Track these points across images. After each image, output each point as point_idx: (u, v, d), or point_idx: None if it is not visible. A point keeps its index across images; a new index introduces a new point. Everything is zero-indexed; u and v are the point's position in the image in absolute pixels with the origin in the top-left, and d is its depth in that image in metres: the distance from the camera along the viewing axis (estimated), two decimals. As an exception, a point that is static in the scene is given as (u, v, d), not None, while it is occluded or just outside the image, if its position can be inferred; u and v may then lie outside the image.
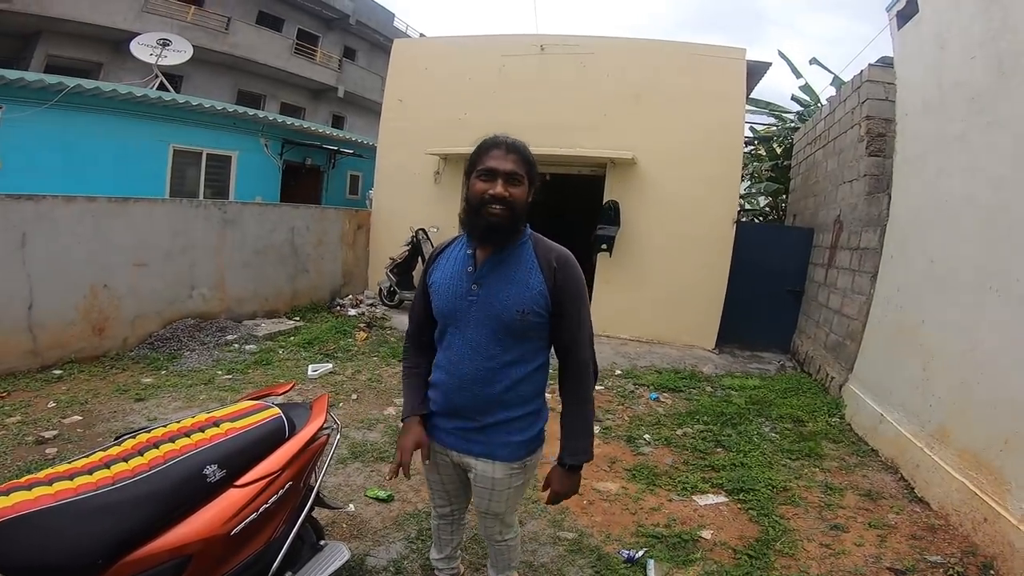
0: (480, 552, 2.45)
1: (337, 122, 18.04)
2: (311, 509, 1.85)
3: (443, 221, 7.29)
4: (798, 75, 9.41)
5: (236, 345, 5.29)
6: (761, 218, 10.69)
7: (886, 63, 5.02)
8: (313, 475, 1.87)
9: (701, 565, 2.46)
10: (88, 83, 7.00)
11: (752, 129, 10.25)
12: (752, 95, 8.45)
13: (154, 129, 7.74)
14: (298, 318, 6.46)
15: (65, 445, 3.19)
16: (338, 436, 1.94)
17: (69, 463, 1.55)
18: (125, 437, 1.69)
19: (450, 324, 1.57)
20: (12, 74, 6.19)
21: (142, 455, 1.54)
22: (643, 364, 5.73)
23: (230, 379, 4.45)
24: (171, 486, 1.47)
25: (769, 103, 10.14)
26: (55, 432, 3.31)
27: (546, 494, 1.65)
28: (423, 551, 2.41)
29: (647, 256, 6.62)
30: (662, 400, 4.69)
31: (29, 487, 1.41)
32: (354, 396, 4.31)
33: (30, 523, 1.32)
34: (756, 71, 7.06)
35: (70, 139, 6.77)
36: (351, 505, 2.76)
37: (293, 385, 2.23)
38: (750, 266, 6.52)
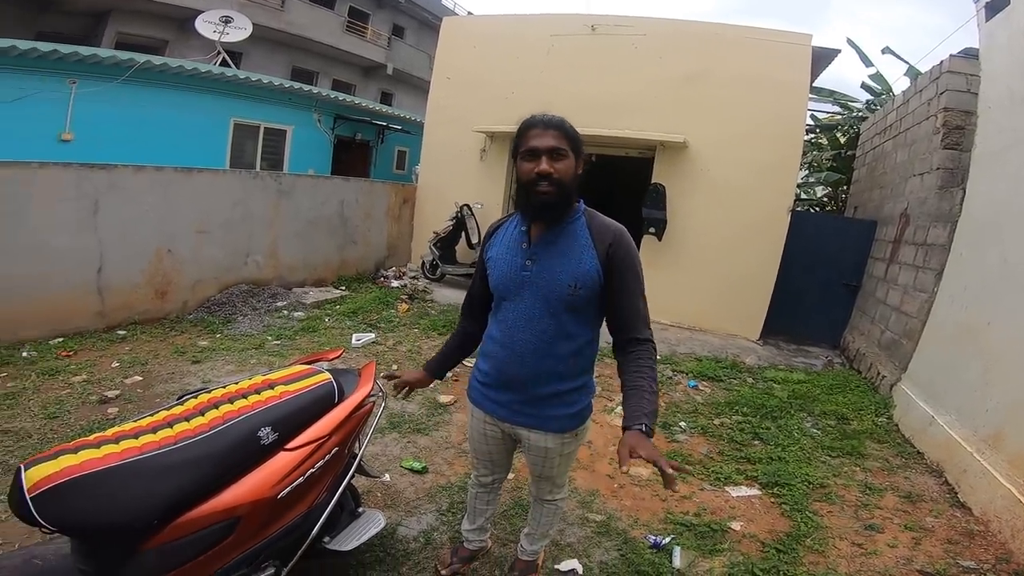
0: (509, 528, 2.50)
1: (386, 99, 18.28)
2: (352, 476, 1.89)
3: (488, 198, 7.34)
4: (868, 63, 8.89)
5: (285, 312, 5.53)
6: (818, 208, 10.22)
7: (969, 54, 4.79)
8: (357, 443, 1.91)
9: (728, 556, 2.44)
10: (156, 59, 7.35)
11: (814, 117, 9.88)
12: (816, 83, 8.04)
13: (216, 104, 8.08)
14: (344, 287, 6.67)
15: (125, 405, 3.38)
16: (383, 405, 1.99)
17: (135, 421, 1.61)
18: (187, 397, 1.75)
19: (505, 298, 1.62)
20: (86, 51, 6.53)
21: (203, 415, 1.59)
22: (683, 351, 5.64)
23: (279, 345, 4.67)
24: (228, 447, 1.51)
25: (834, 91, 9.67)
26: (117, 392, 3.51)
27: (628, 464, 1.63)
28: (453, 523, 2.48)
29: (693, 241, 6.45)
30: (700, 388, 4.63)
31: (98, 445, 1.47)
32: (395, 367, 4.42)
33: (96, 482, 1.38)
34: (822, 58, 6.68)
35: (139, 113, 7.14)
36: (387, 475, 2.85)
37: (342, 352, 2.27)
38: (803, 257, 6.27)
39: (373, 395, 1.88)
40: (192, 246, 5.17)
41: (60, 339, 4.29)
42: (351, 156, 10.64)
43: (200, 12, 10.91)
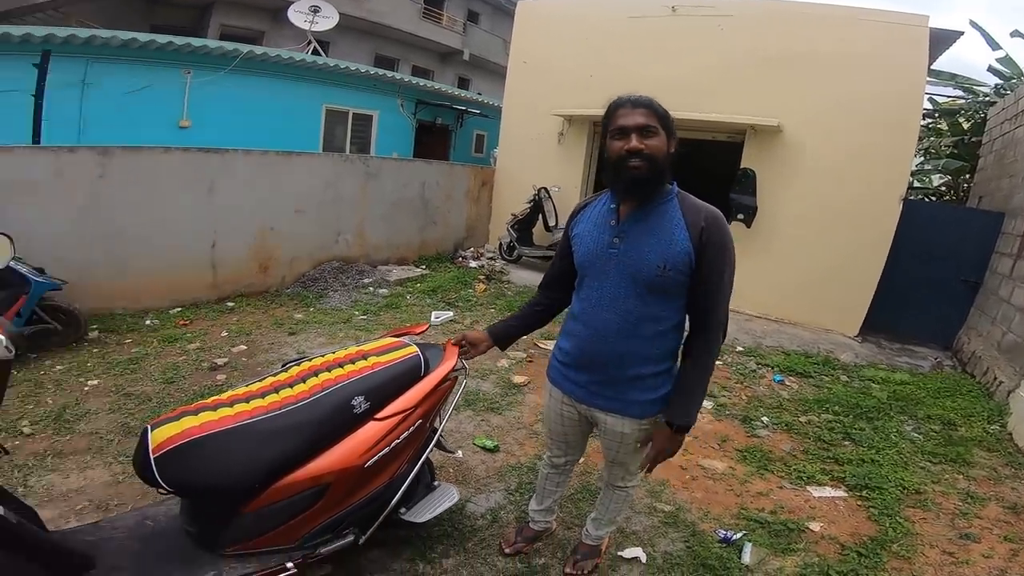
0: (575, 512, 2.50)
1: (463, 84, 18.51)
2: (431, 449, 1.93)
3: (565, 181, 7.29)
4: (995, 46, 8.05)
5: (371, 288, 5.81)
6: (934, 197, 9.28)
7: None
8: (438, 417, 1.96)
9: (802, 556, 2.34)
10: (258, 49, 7.87)
11: (932, 101, 9.07)
12: (935, 66, 7.27)
13: (310, 91, 8.54)
14: (424, 267, 6.91)
15: (232, 372, 3.68)
16: (465, 380, 2.02)
17: (246, 386, 1.73)
18: (289, 364, 1.86)
19: (589, 276, 1.60)
20: (198, 42, 7.11)
21: (304, 382, 1.68)
22: (769, 343, 5.35)
23: (365, 319, 4.93)
24: (326, 414, 1.60)
25: (955, 75, 8.77)
26: (225, 360, 3.84)
27: (646, 452, 1.67)
28: (520, 503, 2.52)
29: (785, 229, 6.06)
30: (787, 383, 4.38)
31: (215, 407, 1.59)
32: (470, 345, 4.54)
33: (212, 444, 1.49)
34: (941, 40, 5.97)
35: (243, 100, 7.70)
36: (459, 451, 2.91)
37: (427, 327, 2.33)
38: (915, 249, 5.71)
39: (456, 370, 1.91)
40: (290, 225, 5.55)
41: (179, 309, 4.79)
42: (431, 140, 10.91)
43: (292, 2, 11.51)
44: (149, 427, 1.56)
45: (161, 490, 1.50)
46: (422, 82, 10.31)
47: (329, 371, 1.72)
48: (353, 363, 1.75)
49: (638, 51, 6.67)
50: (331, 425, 1.61)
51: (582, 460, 2.90)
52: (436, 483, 2.14)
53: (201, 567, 1.57)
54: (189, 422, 1.53)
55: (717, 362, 4.52)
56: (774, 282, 6.10)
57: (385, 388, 1.72)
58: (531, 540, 2.23)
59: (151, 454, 1.47)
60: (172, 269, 4.78)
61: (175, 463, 1.46)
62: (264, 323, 4.67)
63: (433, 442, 1.95)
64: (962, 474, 3.18)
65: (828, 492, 2.86)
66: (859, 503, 2.79)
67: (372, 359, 1.77)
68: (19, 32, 5.71)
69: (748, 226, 6.16)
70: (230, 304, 5.05)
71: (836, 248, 5.79)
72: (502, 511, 2.47)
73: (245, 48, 7.54)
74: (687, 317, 1.61)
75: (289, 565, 1.61)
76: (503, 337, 1.91)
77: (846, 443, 3.43)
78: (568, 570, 2.09)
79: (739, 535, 2.41)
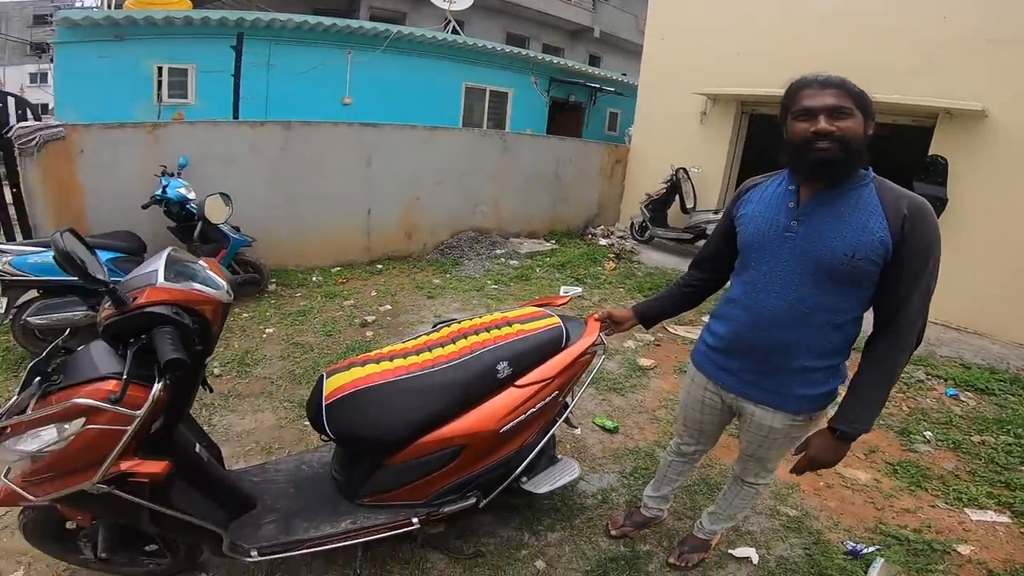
0: (688, 503, 2.40)
1: (593, 62, 18.04)
2: (559, 424, 1.92)
3: (707, 161, 6.87)
4: None
5: (503, 259, 6.02)
6: None
7: None
8: (571, 391, 1.95)
9: None
10: (406, 29, 8.38)
11: None
12: None
13: (451, 69, 8.94)
14: (554, 241, 6.97)
15: (379, 330, 4.01)
16: (603, 357, 2.02)
17: (403, 343, 1.84)
18: (440, 325, 1.94)
19: (757, 259, 1.49)
20: (355, 23, 7.75)
21: (454, 343, 1.76)
22: (945, 353, 4.62)
23: (496, 289, 5.12)
24: (474, 376, 1.66)
25: None
26: (373, 318, 4.19)
27: (796, 458, 1.51)
28: (632, 487, 2.47)
29: (983, 226, 5.12)
30: (962, 399, 3.75)
31: (378, 361, 1.71)
32: (598, 323, 4.52)
33: (374, 396, 1.59)
34: None
35: (392, 78, 8.29)
36: (578, 428, 2.89)
37: (569, 300, 2.33)
38: None
39: (596, 345, 1.89)
40: (433, 195, 5.90)
41: (338, 268, 5.36)
42: (564, 117, 10.88)
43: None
44: (325, 374, 1.72)
45: (323, 437, 1.65)
46: (555, 60, 10.29)
47: (477, 334, 1.78)
48: (499, 329, 1.80)
49: (797, 27, 5.97)
50: (477, 387, 1.67)
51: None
52: (559, 456, 2.13)
53: (341, 514, 1.72)
54: (357, 372, 1.67)
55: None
56: (961, 285, 5.21)
57: (528, 356, 1.74)
58: (639, 526, 2.19)
59: (324, 400, 1.63)
60: (335, 232, 5.35)
61: (342, 411, 1.60)
62: (407, 286, 5.06)
63: (564, 416, 1.95)
64: None
65: (989, 516, 2.51)
66: (1023, 531, 2.42)
67: (516, 326, 1.81)
68: (216, 16, 6.66)
69: (936, 218, 5.30)
70: (379, 266, 5.54)
71: None
72: (613, 493, 2.44)
73: (395, 29, 8.07)
74: (872, 312, 1.45)
75: (414, 520, 1.71)
76: (649, 316, 1.87)
77: (1023, 468, 2.93)
78: (672, 560, 2.04)
79: (870, 549, 2.20)
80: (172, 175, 4.16)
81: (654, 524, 2.23)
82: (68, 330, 1.55)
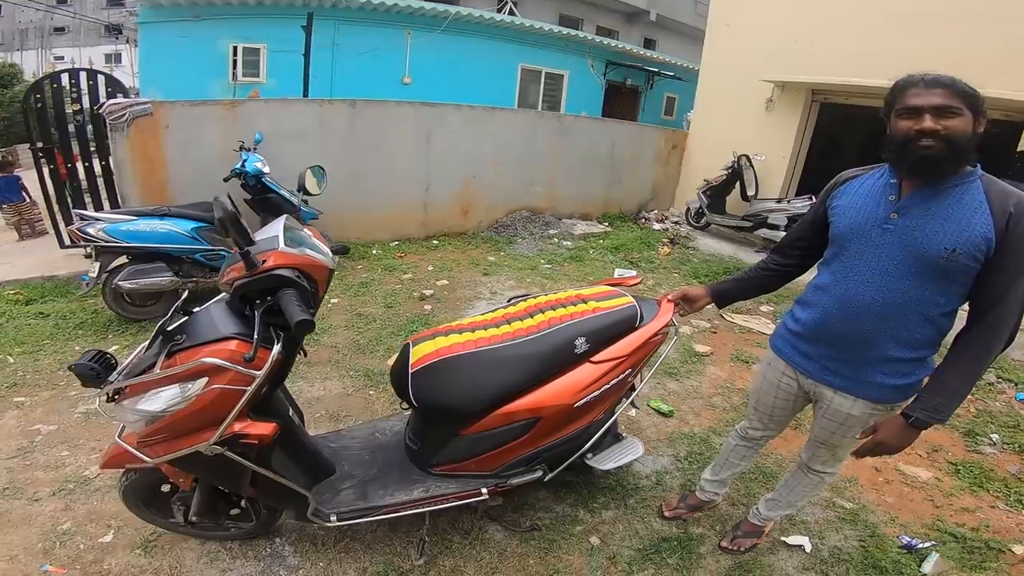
0: (743, 490, 2.39)
1: (648, 45, 17.47)
2: (627, 403, 1.93)
3: (772, 151, 6.64)
4: None
5: (556, 239, 6.04)
6: None
7: None
8: (641, 372, 1.94)
9: (992, 575, 2.04)
10: (464, 10, 8.38)
11: None
12: None
13: (507, 50, 8.93)
14: (607, 224, 6.93)
15: (436, 304, 4.09)
16: (675, 339, 1.99)
17: (482, 315, 1.87)
18: (516, 300, 1.96)
19: (851, 249, 1.49)
20: (416, 3, 7.81)
21: (532, 317, 1.78)
22: (1018, 357, 4.33)
23: (549, 268, 5.15)
24: (551, 350, 1.67)
25: None
26: (431, 292, 4.29)
27: (862, 441, 1.51)
28: (687, 471, 2.48)
29: None
30: None
31: (460, 331, 1.75)
32: (654, 308, 4.48)
33: (456, 365, 1.62)
34: None
35: (450, 59, 8.35)
36: (633, 411, 2.90)
37: (640, 281, 2.33)
38: None
39: (669, 326, 1.89)
40: (489, 174, 5.98)
41: (397, 242, 5.52)
42: (620, 101, 10.71)
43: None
44: (411, 343, 1.77)
45: (403, 406, 1.69)
46: (612, 43, 10.10)
47: (554, 310, 1.80)
48: (575, 305, 1.81)
49: (873, 14, 5.66)
50: (554, 361, 1.68)
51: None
52: (624, 435, 2.14)
53: (413, 482, 1.77)
54: (442, 342, 1.71)
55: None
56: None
57: (604, 333, 1.75)
58: (694, 508, 2.20)
59: (410, 368, 1.67)
60: (395, 208, 5.51)
61: (426, 379, 1.64)
62: (462, 262, 5.17)
63: (633, 396, 1.95)
64: None
65: None
66: None
67: (592, 303, 1.81)
68: None
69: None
70: (435, 242, 5.68)
71: None
72: (667, 475, 2.45)
73: (453, 10, 8.10)
74: (967, 307, 1.43)
75: (483, 491, 1.76)
76: (724, 296, 1.86)
77: None
78: (724, 544, 2.04)
79: (926, 544, 2.18)
80: (249, 150, 4.38)
81: (708, 508, 2.23)
82: (186, 293, 1.63)
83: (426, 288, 4.40)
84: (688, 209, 7.19)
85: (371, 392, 2.95)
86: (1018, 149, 5.05)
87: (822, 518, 2.29)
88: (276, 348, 1.31)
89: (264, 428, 1.39)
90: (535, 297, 1.94)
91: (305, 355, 1.81)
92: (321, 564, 1.88)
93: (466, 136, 5.66)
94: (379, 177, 5.29)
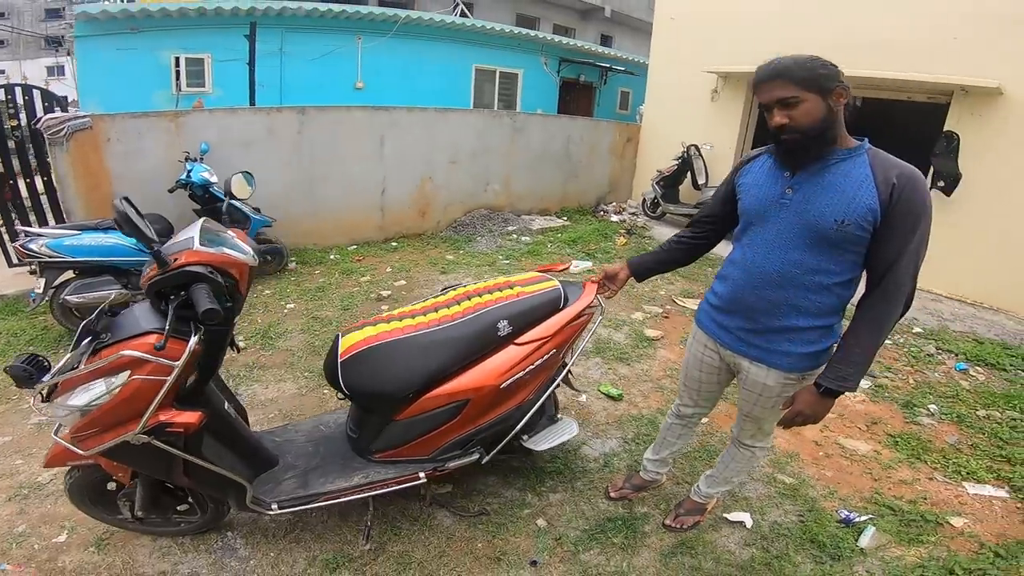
0: (688, 469, 2.48)
1: (605, 41, 17.82)
2: (558, 383, 2.02)
3: (719, 140, 6.87)
4: None
5: (514, 236, 6.13)
6: None
7: None
8: (570, 352, 2.04)
9: (929, 549, 2.11)
10: (415, 13, 8.39)
11: None
12: None
13: (461, 52, 8.96)
14: (566, 218, 7.06)
15: (394, 303, 4.13)
16: (600, 318, 2.07)
17: (411, 305, 1.96)
18: (447, 289, 2.06)
19: (755, 224, 1.57)
20: (365, 9, 7.79)
21: (459, 304, 1.87)
22: (959, 328, 4.59)
23: (507, 264, 5.23)
24: (476, 333, 1.77)
25: None
26: (388, 292, 4.34)
27: (785, 413, 1.56)
28: (634, 453, 2.56)
29: (998, 202, 5.05)
30: (971, 374, 3.74)
31: (388, 321, 1.83)
32: (605, 293, 4.59)
33: (384, 351, 1.71)
34: None
35: (403, 62, 8.34)
36: (584, 395, 3.00)
37: (569, 266, 2.49)
38: None
39: (593, 306, 1.98)
40: (445, 175, 6.03)
41: (354, 246, 5.52)
42: (575, 97, 10.86)
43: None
44: (340, 334, 1.85)
45: (340, 394, 1.77)
46: (564, 40, 10.27)
47: (480, 296, 1.89)
48: (501, 291, 1.90)
49: (806, 4, 5.94)
50: (478, 343, 1.77)
51: (706, 420, 2.84)
52: (559, 416, 2.22)
53: (354, 470, 1.85)
54: (369, 331, 1.79)
55: (887, 342, 4.05)
56: (976, 260, 5.19)
57: (527, 315, 1.84)
58: (638, 488, 2.27)
59: (339, 357, 1.75)
60: (351, 212, 5.51)
61: (355, 367, 1.72)
62: (421, 262, 5.21)
63: (562, 376, 2.02)
64: None
65: (987, 491, 2.50)
66: (1019, 506, 2.41)
67: (518, 288, 1.91)
68: (228, 6, 6.78)
69: (948, 195, 5.28)
70: (394, 244, 5.70)
71: None
72: (615, 458, 2.53)
73: (403, 14, 8.11)
74: (863, 276, 1.51)
75: (421, 475, 1.83)
76: (642, 269, 1.93)
77: None
78: (668, 522, 2.11)
79: (864, 518, 2.24)
80: (195, 160, 4.33)
81: (653, 488, 2.31)
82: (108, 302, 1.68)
83: (384, 289, 4.43)
84: (644, 200, 7.36)
85: (325, 391, 2.97)
86: (944, 129, 5.33)
87: (763, 494, 2.37)
88: (193, 340, 1.38)
89: (189, 417, 1.45)
90: (465, 286, 2.02)
91: (237, 351, 1.88)
92: (272, 554, 1.91)
93: (420, 138, 5.70)
94: (333, 182, 5.28)
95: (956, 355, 4.05)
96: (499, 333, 1.80)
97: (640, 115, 8.34)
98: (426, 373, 1.73)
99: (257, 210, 4.51)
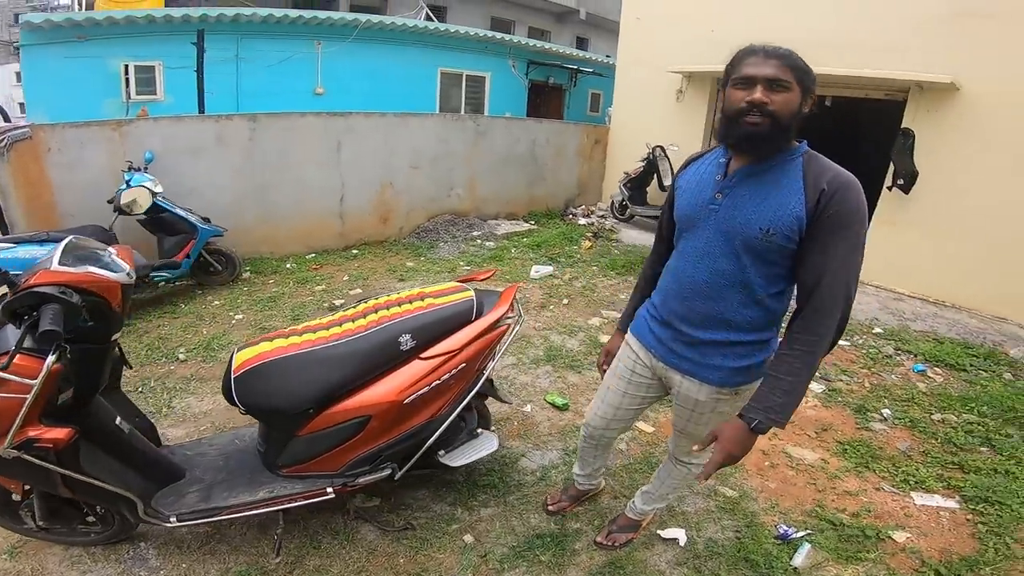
0: (628, 482, 2.40)
1: (581, 44, 17.95)
2: (475, 395, 1.93)
3: (684, 140, 6.85)
4: None
5: (479, 240, 6.05)
6: None
7: None
8: (487, 363, 1.95)
9: (867, 567, 2.03)
10: (375, 18, 8.26)
11: None
12: None
13: (426, 56, 8.87)
14: (533, 222, 6.99)
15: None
16: (517, 328, 1.99)
17: (319, 319, 1.90)
18: (361, 302, 1.98)
19: (686, 229, 1.48)
20: (323, 14, 7.65)
21: (365, 318, 1.81)
22: (919, 328, 4.57)
23: (468, 270, 5.14)
24: (374, 347, 1.71)
25: None
26: (342, 301, 4.23)
27: (706, 453, 1.42)
28: (573, 465, 2.44)
29: (958, 199, 5.07)
30: (929, 375, 3.69)
31: (287, 336, 1.78)
32: (565, 301, 4.50)
33: (279, 367, 1.66)
34: None
35: (368, 67, 8.22)
36: (528, 406, 2.91)
37: (493, 273, 2.34)
38: None
39: (509, 317, 1.90)
40: (407, 180, 5.93)
41: (313, 255, 5.40)
42: (545, 100, 10.84)
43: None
44: (235, 350, 1.80)
45: (240, 409, 1.73)
46: (532, 42, 10.22)
47: (388, 309, 1.82)
48: (410, 303, 1.84)
49: (771, 1, 5.95)
50: (380, 358, 1.72)
51: (651, 429, 2.79)
52: (479, 431, 2.13)
53: (260, 484, 1.81)
54: (265, 347, 1.74)
55: (843, 342, 4.08)
56: (938, 258, 5.20)
57: (433, 328, 1.77)
58: (575, 499, 2.21)
59: (232, 373, 1.70)
60: (308, 220, 5.39)
61: (248, 383, 1.68)
62: (379, 269, 5.10)
63: (476, 387, 1.92)
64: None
65: (935, 501, 2.43)
66: (969, 517, 2.34)
67: (428, 300, 1.84)
68: (178, 13, 6.64)
69: (906, 192, 5.31)
70: (354, 252, 5.59)
71: (1022, 224, 4.76)
72: (553, 470, 2.45)
73: (364, 18, 8.00)
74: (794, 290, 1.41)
75: (329, 490, 1.78)
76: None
77: (982, 449, 2.85)
78: (600, 539, 2.04)
79: (801, 534, 2.16)
80: (138, 170, 4.20)
81: (591, 496, 2.25)
82: None
83: (337, 298, 4.33)
84: (612, 202, 7.33)
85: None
86: (902, 126, 5.36)
87: (702, 508, 2.28)
88: (50, 359, 1.35)
89: (58, 433, 1.45)
90: (377, 298, 1.96)
91: (129, 367, 1.87)
92: (184, 565, 1.87)
93: (379, 143, 5.60)
94: (288, 190, 5.16)
95: (915, 356, 4.00)
96: (401, 348, 1.74)
97: (609, 117, 8.34)
98: (322, 389, 1.69)
99: (207, 220, 4.39)
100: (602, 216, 7.39)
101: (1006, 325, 4.81)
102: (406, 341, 1.74)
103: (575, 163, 7.59)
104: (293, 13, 7.32)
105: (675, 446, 1.79)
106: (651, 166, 6.78)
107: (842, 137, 7.20)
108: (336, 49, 7.83)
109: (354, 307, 1.94)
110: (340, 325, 1.81)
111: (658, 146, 6.75)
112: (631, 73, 7.54)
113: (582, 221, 7.15)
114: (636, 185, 6.92)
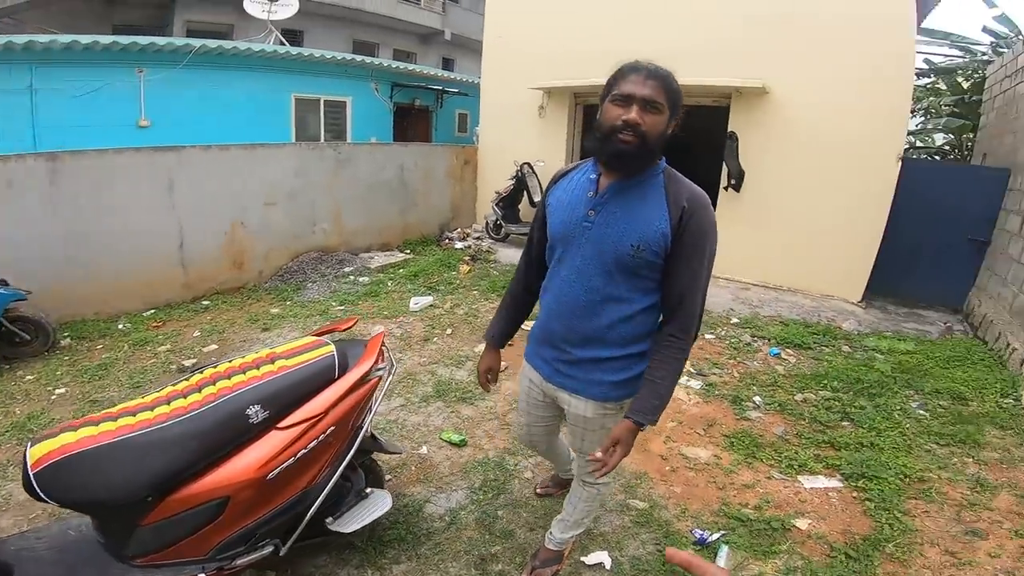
0: (540, 511, 2.32)
1: (447, 64, 18.13)
2: (354, 455, 1.79)
3: (549, 155, 7.08)
4: (991, 3, 7.85)
5: (352, 277, 5.64)
6: (937, 156, 9.13)
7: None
8: (364, 418, 1.81)
9: (784, 559, 2.13)
10: (212, 43, 7.34)
11: (928, 61, 9.00)
12: (926, 25, 7.11)
13: (277, 81, 8.18)
14: (408, 251, 6.73)
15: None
16: (391, 377, 1.88)
17: (141, 398, 1.64)
18: (194, 372, 1.74)
19: (561, 248, 1.49)
20: (144, 40, 6.67)
21: (199, 392, 1.58)
22: (767, 313, 5.10)
23: (342, 310, 4.76)
24: (215, 425, 1.49)
25: (950, 33, 8.72)
26: (194, 360, 3.70)
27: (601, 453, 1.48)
28: (482, 503, 2.38)
29: (779, 192, 5.80)
30: (784, 357, 4.08)
31: (98, 423, 1.50)
32: (448, 331, 4.34)
33: (89, 459, 1.41)
34: None
35: (208, 95, 7.33)
36: (424, 447, 2.76)
37: (356, 321, 2.20)
38: (918, 209, 5.42)
39: (378, 369, 1.78)
40: (262, 218, 5.37)
41: (152, 311, 4.64)
42: (412, 122, 10.64)
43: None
44: (29, 444, 1.49)
45: (53, 504, 1.43)
46: (394, 64, 10.01)
47: (229, 378, 1.60)
48: (258, 368, 1.64)
49: (617, 18, 6.39)
50: (221, 437, 1.51)
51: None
52: (369, 490, 1.99)
53: None
54: (67, 438, 1.46)
55: (709, 336, 4.36)
56: (770, 248, 5.88)
57: (289, 393, 1.60)
58: (560, 486, 2.33)
59: (30, 470, 1.41)
60: (141, 271, 4.62)
61: (54, 478, 1.41)
62: (238, 320, 4.52)
63: (355, 446, 1.78)
64: (971, 457, 2.88)
65: (821, 483, 2.62)
66: (855, 494, 2.56)
67: (279, 363, 1.65)
68: None
69: (738, 191, 5.94)
70: (205, 303, 4.90)
71: (833, 210, 5.52)
72: (462, 512, 2.31)
73: (198, 43, 7.20)
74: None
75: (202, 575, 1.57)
76: (502, 339, 1.83)
77: (844, 424, 3.17)
78: None
79: (716, 536, 2.21)
80: None
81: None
82: None
83: (188, 358, 3.76)
84: (487, 223, 7.34)
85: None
86: (728, 130, 5.98)
87: (619, 525, 2.28)
88: None
89: None
90: (215, 366, 1.70)
91: None
92: None
93: (222, 179, 4.99)
94: (110, 240, 4.38)
95: (769, 340, 4.41)
96: (251, 421, 1.53)
97: (477, 136, 8.39)
98: (155, 476, 1.44)
99: (3, 282, 3.59)
100: (478, 238, 7.36)
101: (833, 301, 5.55)
102: (256, 413, 1.54)
103: (446, 186, 7.48)
104: (105, 39, 6.31)
105: (579, 467, 1.79)
106: (520, 183, 6.92)
107: (684, 145, 7.90)
108: (163, 77, 6.91)
109: (187, 380, 1.67)
110: (168, 403, 1.55)
111: (526, 163, 6.91)
112: (496, 91, 7.66)
113: (459, 245, 7.05)
114: (508, 203, 7.01)
